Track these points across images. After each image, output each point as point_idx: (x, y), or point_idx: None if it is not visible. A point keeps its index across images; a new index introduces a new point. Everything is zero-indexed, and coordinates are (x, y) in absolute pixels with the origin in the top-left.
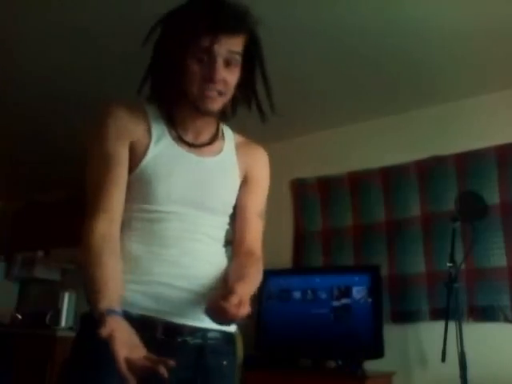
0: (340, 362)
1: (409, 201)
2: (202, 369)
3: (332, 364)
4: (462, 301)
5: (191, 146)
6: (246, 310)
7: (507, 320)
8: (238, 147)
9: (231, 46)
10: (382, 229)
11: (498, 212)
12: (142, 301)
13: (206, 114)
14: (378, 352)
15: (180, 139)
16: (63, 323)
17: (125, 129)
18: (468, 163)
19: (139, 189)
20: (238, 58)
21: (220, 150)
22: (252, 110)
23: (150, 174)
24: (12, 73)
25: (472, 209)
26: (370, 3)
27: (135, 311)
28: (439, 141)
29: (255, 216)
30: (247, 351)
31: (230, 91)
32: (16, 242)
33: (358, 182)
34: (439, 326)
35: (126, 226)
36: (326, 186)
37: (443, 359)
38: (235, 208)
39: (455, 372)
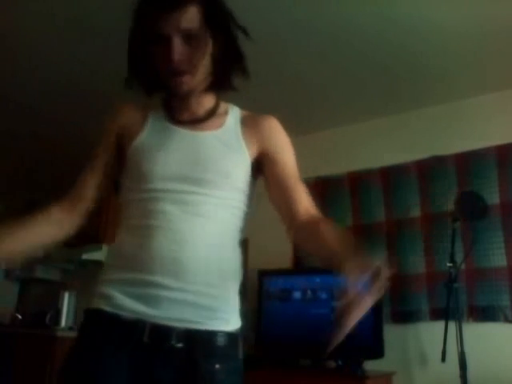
0: (340, 362)
1: (409, 201)
2: (189, 373)
3: (332, 364)
4: (461, 301)
5: (184, 123)
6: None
7: (507, 320)
8: (243, 121)
9: (181, 22)
10: (382, 229)
11: (498, 212)
12: (131, 303)
13: (180, 95)
14: (378, 352)
15: (173, 119)
16: (63, 323)
17: (120, 115)
18: (468, 163)
19: (132, 168)
20: (197, 31)
21: (221, 125)
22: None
23: (139, 151)
24: (12, 72)
25: (472, 209)
26: (371, 3)
27: (124, 314)
28: (439, 141)
29: (296, 182)
30: (247, 351)
31: (197, 67)
32: None
33: (358, 181)
34: (439, 325)
35: (123, 212)
36: (326, 186)
37: (443, 359)
38: (268, 187)
39: (455, 372)
